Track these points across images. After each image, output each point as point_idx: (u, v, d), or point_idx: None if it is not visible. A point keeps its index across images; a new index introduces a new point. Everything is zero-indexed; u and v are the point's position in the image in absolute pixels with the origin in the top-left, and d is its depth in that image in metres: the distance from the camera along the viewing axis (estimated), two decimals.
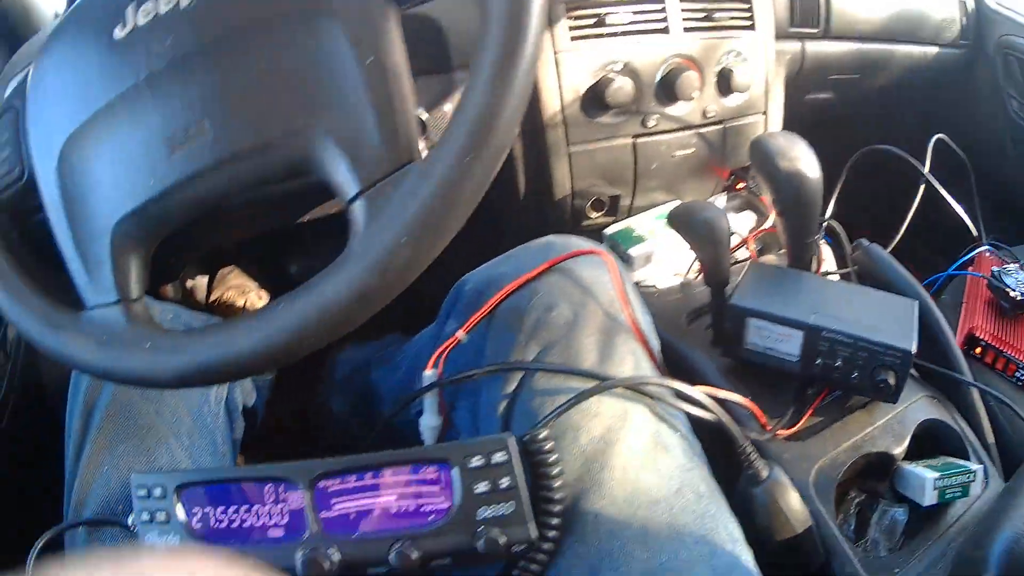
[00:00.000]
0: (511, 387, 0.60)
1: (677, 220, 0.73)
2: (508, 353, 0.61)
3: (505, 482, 0.50)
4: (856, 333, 0.67)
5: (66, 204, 0.53)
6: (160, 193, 0.50)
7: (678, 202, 0.93)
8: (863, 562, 0.63)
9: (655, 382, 0.59)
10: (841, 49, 1.04)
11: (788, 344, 0.69)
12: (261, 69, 0.49)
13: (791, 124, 0.95)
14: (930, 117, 1.16)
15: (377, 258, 0.44)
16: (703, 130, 0.93)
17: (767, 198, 0.83)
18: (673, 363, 0.67)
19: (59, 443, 0.68)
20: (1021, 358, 0.83)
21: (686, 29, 0.89)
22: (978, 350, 0.85)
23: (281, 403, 0.94)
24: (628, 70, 0.87)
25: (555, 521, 0.52)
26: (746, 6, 0.92)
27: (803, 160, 0.72)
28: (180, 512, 0.54)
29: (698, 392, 0.59)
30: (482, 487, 0.51)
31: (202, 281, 1.11)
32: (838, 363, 0.68)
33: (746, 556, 0.54)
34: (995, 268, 0.91)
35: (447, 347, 0.62)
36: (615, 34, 0.86)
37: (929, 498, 0.66)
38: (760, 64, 0.93)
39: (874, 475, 0.71)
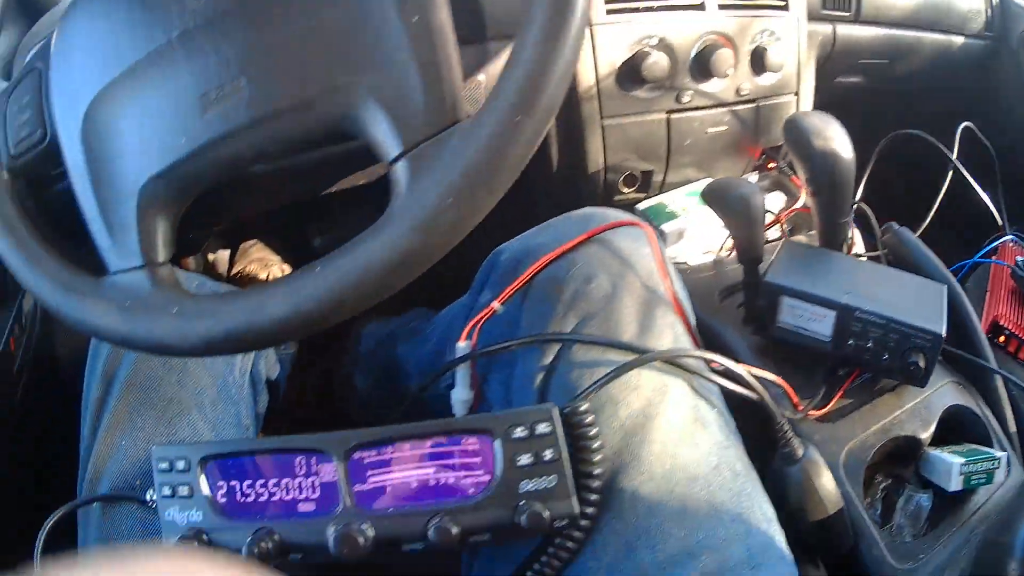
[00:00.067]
0: (548, 359, 0.59)
1: (712, 196, 0.73)
2: (545, 325, 0.60)
3: (549, 454, 0.49)
4: (888, 314, 0.66)
5: (90, 166, 0.52)
6: (191, 152, 0.49)
7: (709, 180, 0.92)
8: (889, 547, 0.63)
9: (699, 355, 0.58)
10: (871, 34, 1.04)
11: (821, 324, 0.69)
12: (301, 26, 0.47)
13: (820, 106, 0.94)
14: (956, 106, 1.15)
15: (421, 219, 0.43)
16: (736, 108, 0.92)
17: (800, 178, 0.82)
18: (705, 340, 0.66)
19: (74, 418, 0.66)
20: None
21: (721, 6, 0.88)
22: (1002, 339, 0.85)
23: (304, 377, 0.93)
24: (663, 45, 0.86)
25: (594, 497, 0.52)
26: None
27: (837, 140, 0.71)
28: (204, 486, 0.52)
29: (741, 368, 0.58)
30: (525, 459, 0.49)
31: (224, 254, 1.10)
32: (869, 344, 0.67)
33: (779, 536, 0.54)
34: (1020, 258, 0.91)
35: (482, 318, 0.61)
36: (651, 8, 0.85)
37: (955, 484, 0.66)
38: (793, 44, 0.93)
39: (899, 460, 0.71)
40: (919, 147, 0.97)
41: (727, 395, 0.60)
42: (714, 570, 0.50)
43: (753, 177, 1.00)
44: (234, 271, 1.08)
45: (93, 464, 0.61)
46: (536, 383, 0.59)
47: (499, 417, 0.50)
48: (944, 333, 0.66)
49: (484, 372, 0.64)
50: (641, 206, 0.92)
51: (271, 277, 1.07)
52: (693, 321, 0.64)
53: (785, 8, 0.92)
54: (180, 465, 0.53)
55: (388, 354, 0.89)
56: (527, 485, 0.49)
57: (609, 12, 0.84)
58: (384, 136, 0.46)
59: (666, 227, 0.88)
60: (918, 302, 0.69)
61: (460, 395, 0.62)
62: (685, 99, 0.89)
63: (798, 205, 0.92)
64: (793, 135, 0.73)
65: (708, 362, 0.59)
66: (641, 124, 0.89)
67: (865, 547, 0.63)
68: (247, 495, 0.52)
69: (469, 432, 0.50)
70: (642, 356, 0.56)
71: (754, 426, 0.61)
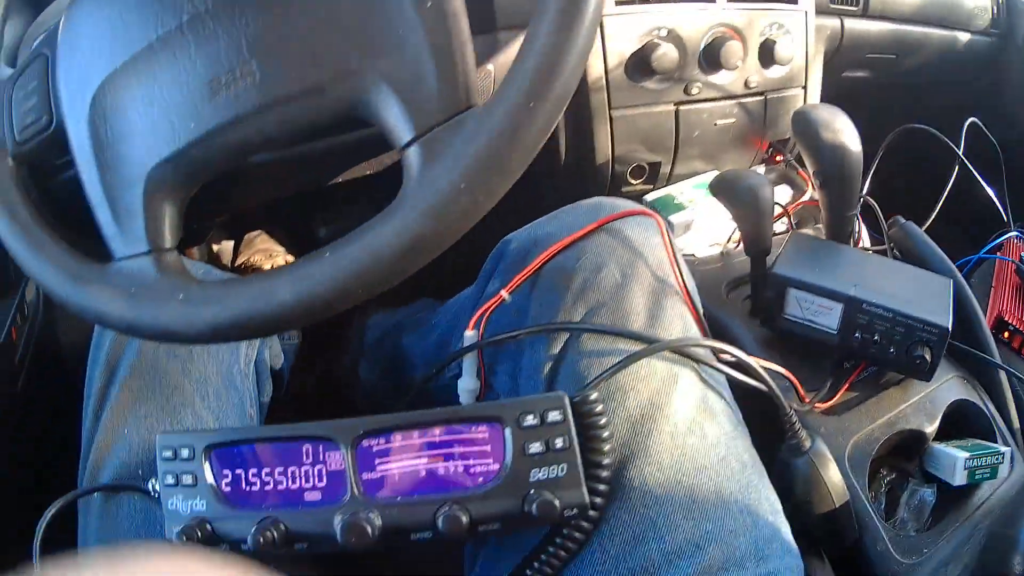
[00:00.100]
0: (556, 349, 0.59)
1: (721, 187, 0.72)
2: (554, 314, 0.59)
3: (559, 443, 0.49)
4: (895, 307, 0.66)
5: (97, 150, 0.51)
6: (200, 137, 0.48)
7: (716, 172, 0.92)
8: (893, 541, 0.63)
9: (709, 344, 0.58)
10: (878, 29, 1.04)
11: (827, 316, 0.69)
12: (313, 11, 0.47)
13: (828, 100, 0.94)
14: (962, 102, 1.16)
15: (433, 203, 0.43)
16: (744, 100, 0.92)
17: (807, 170, 0.82)
18: (711, 332, 0.66)
19: (76, 409, 0.65)
20: None
21: None
22: (1006, 334, 0.85)
23: (307, 368, 0.93)
24: (673, 37, 0.86)
25: (602, 487, 0.51)
26: None
27: (846, 133, 0.71)
28: (208, 474, 0.51)
29: (751, 359, 0.58)
30: (536, 447, 0.49)
31: (228, 245, 1.10)
32: (876, 337, 0.67)
33: (785, 528, 0.54)
34: None
35: (490, 307, 0.61)
36: (661, 0, 0.85)
37: (960, 478, 0.66)
38: (801, 38, 0.93)
39: (904, 454, 0.71)
40: (924, 142, 0.97)
41: (732, 386, 0.60)
42: (721, 562, 0.50)
43: (760, 170, 1.00)
44: (238, 262, 1.08)
45: (95, 454, 0.60)
46: (544, 372, 0.59)
47: (509, 405, 0.50)
48: (950, 327, 0.66)
49: (491, 362, 0.64)
50: (648, 197, 0.92)
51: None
52: (701, 312, 0.64)
53: (794, 1, 0.92)
54: (184, 453, 0.52)
55: (393, 344, 0.89)
56: (537, 474, 0.49)
57: (619, 3, 0.84)
58: (396, 121, 0.45)
59: (673, 219, 0.88)
60: (924, 296, 0.70)
61: (466, 384, 0.62)
62: (694, 91, 0.89)
63: (805, 198, 0.92)
64: (802, 127, 0.73)
65: (717, 352, 0.59)
66: (649, 115, 0.89)
67: (869, 541, 0.63)
68: (252, 484, 0.51)
69: (479, 420, 0.50)
70: (652, 345, 0.55)
71: (759, 417, 0.61)
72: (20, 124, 0.56)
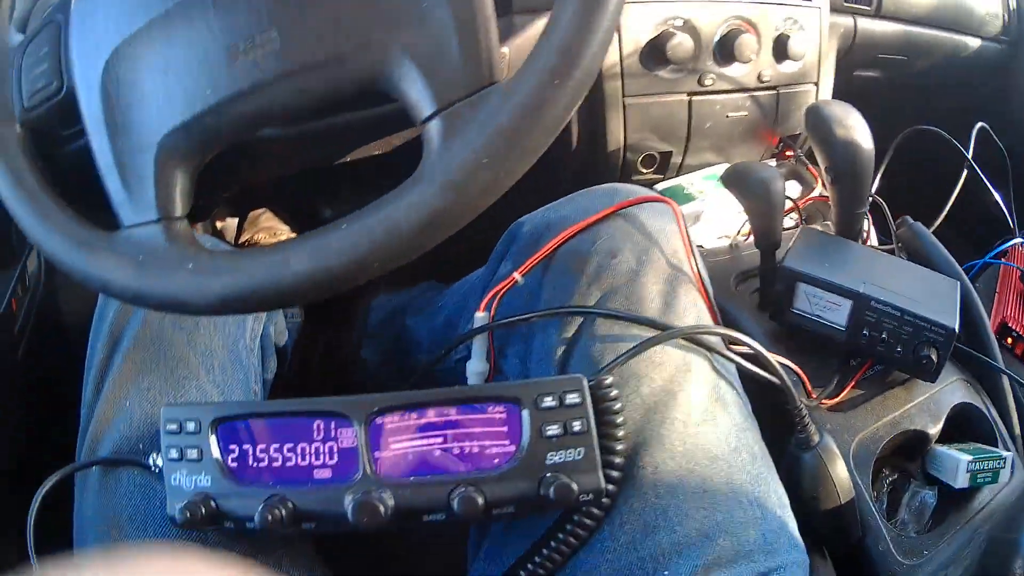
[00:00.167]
0: (569, 332, 0.58)
1: (733, 179, 0.72)
2: (567, 298, 0.59)
3: (577, 426, 0.48)
4: (903, 306, 0.66)
5: (108, 115, 0.50)
6: (217, 104, 0.47)
7: (727, 164, 0.92)
8: (895, 541, 0.63)
9: (724, 332, 0.57)
10: (891, 29, 1.04)
11: (836, 312, 0.68)
12: None
13: (838, 98, 0.94)
14: (971, 106, 1.16)
15: (453, 178, 0.42)
16: (757, 94, 0.92)
17: (817, 168, 0.82)
18: (721, 324, 0.66)
19: (76, 381, 0.64)
20: None
21: None
22: (1009, 340, 0.85)
23: (310, 346, 0.92)
24: (688, 27, 0.86)
25: (615, 474, 0.51)
26: None
27: (858, 130, 0.71)
28: (215, 449, 0.50)
29: (764, 350, 0.57)
30: (553, 430, 0.48)
31: (232, 222, 1.09)
32: (883, 335, 0.67)
33: (792, 523, 0.54)
34: None
35: (502, 288, 0.60)
36: None
37: (962, 481, 0.66)
38: (815, 34, 0.93)
39: (906, 454, 0.71)
40: (933, 144, 0.98)
41: (741, 378, 0.60)
42: (731, 554, 0.49)
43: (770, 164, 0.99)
44: (241, 239, 1.07)
45: (94, 426, 0.58)
46: (556, 357, 0.58)
47: (527, 385, 0.49)
48: (957, 329, 0.66)
49: (501, 344, 0.63)
50: (659, 187, 0.92)
51: None
52: (714, 302, 0.64)
53: None
54: (190, 427, 0.50)
55: (398, 326, 0.88)
56: (554, 457, 0.48)
57: None
58: (418, 94, 0.44)
59: (684, 209, 0.87)
60: (932, 296, 0.69)
61: (475, 367, 0.61)
62: (707, 82, 0.89)
63: (814, 194, 0.92)
64: (815, 123, 0.73)
65: (731, 342, 0.58)
66: (663, 104, 0.89)
67: (871, 540, 0.63)
68: (260, 460, 0.49)
69: (496, 400, 0.48)
70: (668, 331, 0.55)
71: (766, 411, 0.60)
72: (30, 90, 0.55)
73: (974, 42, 1.11)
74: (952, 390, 0.73)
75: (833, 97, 0.98)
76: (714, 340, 0.58)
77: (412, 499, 0.48)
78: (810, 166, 0.96)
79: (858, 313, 0.67)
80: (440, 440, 0.49)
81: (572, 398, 0.48)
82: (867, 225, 0.85)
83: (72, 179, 0.53)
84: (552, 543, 0.51)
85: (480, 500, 0.47)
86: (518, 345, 0.62)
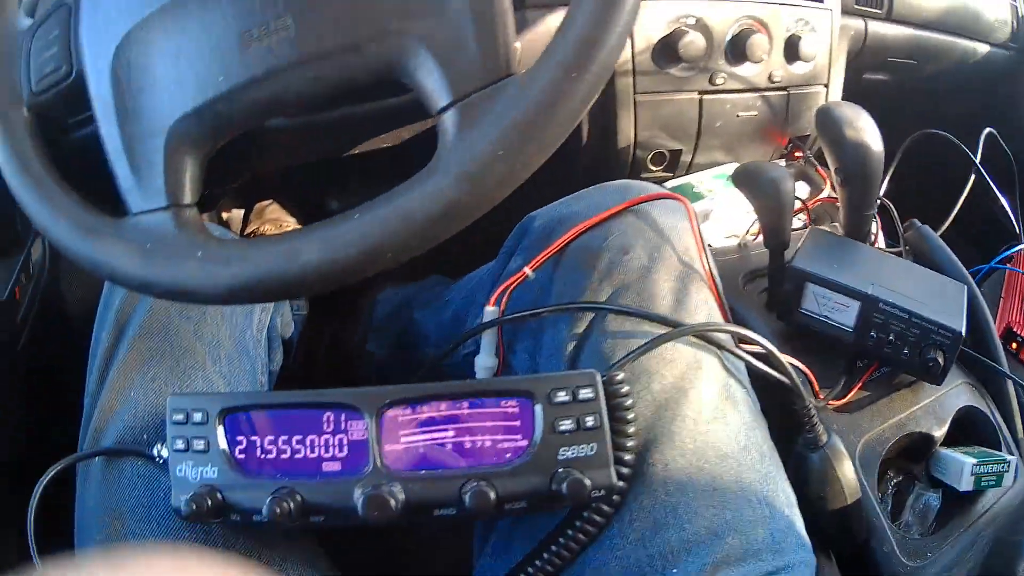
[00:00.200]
0: (579, 328, 0.58)
1: (743, 178, 0.72)
2: (578, 293, 0.58)
3: (590, 421, 0.48)
4: (911, 309, 0.66)
5: (118, 100, 0.49)
6: (229, 91, 0.46)
7: (736, 164, 0.92)
8: (899, 543, 0.63)
9: (735, 330, 0.57)
10: (901, 33, 1.04)
11: (844, 313, 0.68)
12: None
13: (848, 100, 0.94)
14: (979, 112, 1.16)
15: (469, 169, 0.42)
16: (767, 94, 0.92)
17: (827, 169, 0.82)
18: None
19: (80, 371, 0.63)
20: None
21: None
22: (1014, 345, 0.85)
23: (316, 339, 0.91)
24: (701, 25, 0.86)
25: (626, 471, 0.50)
26: None
27: (868, 132, 0.71)
28: (222, 440, 0.49)
29: (776, 350, 0.57)
30: (566, 425, 0.47)
31: (238, 213, 1.08)
32: (891, 337, 0.67)
33: (800, 523, 0.54)
34: None
35: (513, 283, 0.60)
36: None
37: (966, 483, 0.66)
38: (826, 35, 0.93)
39: (911, 457, 0.71)
40: (941, 148, 0.98)
41: (752, 377, 0.60)
42: (739, 552, 0.49)
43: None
44: (248, 231, 1.06)
45: (98, 416, 0.57)
46: (566, 352, 0.58)
47: (540, 379, 0.48)
48: (964, 332, 0.66)
49: (510, 339, 0.63)
50: (668, 185, 0.92)
51: None
52: (724, 300, 0.64)
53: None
54: (197, 417, 0.49)
55: (404, 320, 0.87)
56: (566, 452, 0.47)
57: None
58: (434, 85, 0.44)
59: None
60: (940, 299, 0.69)
61: (484, 362, 0.61)
62: (718, 81, 0.89)
63: (823, 195, 0.92)
64: (825, 124, 0.73)
65: (741, 340, 0.58)
66: (673, 102, 0.89)
67: (876, 542, 0.63)
68: (268, 452, 0.49)
69: (509, 394, 0.48)
70: (679, 328, 0.55)
71: (773, 410, 0.60)
72: (38, 74, 0.54)
73: (983, 48, 1.11)
74: (957, 393, 0.73)
75: (843, 99, 0.98)
76: (725, 338, 0.57)
77: (423, 493, 0.47)
78: (819, 167, 0.96)
79: (866, 314, 0.67)
80: (452, 434, 0.48)
81: (585, 393, 0.48)
82: (875, 228, 0.85)
83: (75, 168, 0.52)
84: (561, 539, 0.51)
85: (492, 495, 0.46)
86: (528, 340, 0.62)
